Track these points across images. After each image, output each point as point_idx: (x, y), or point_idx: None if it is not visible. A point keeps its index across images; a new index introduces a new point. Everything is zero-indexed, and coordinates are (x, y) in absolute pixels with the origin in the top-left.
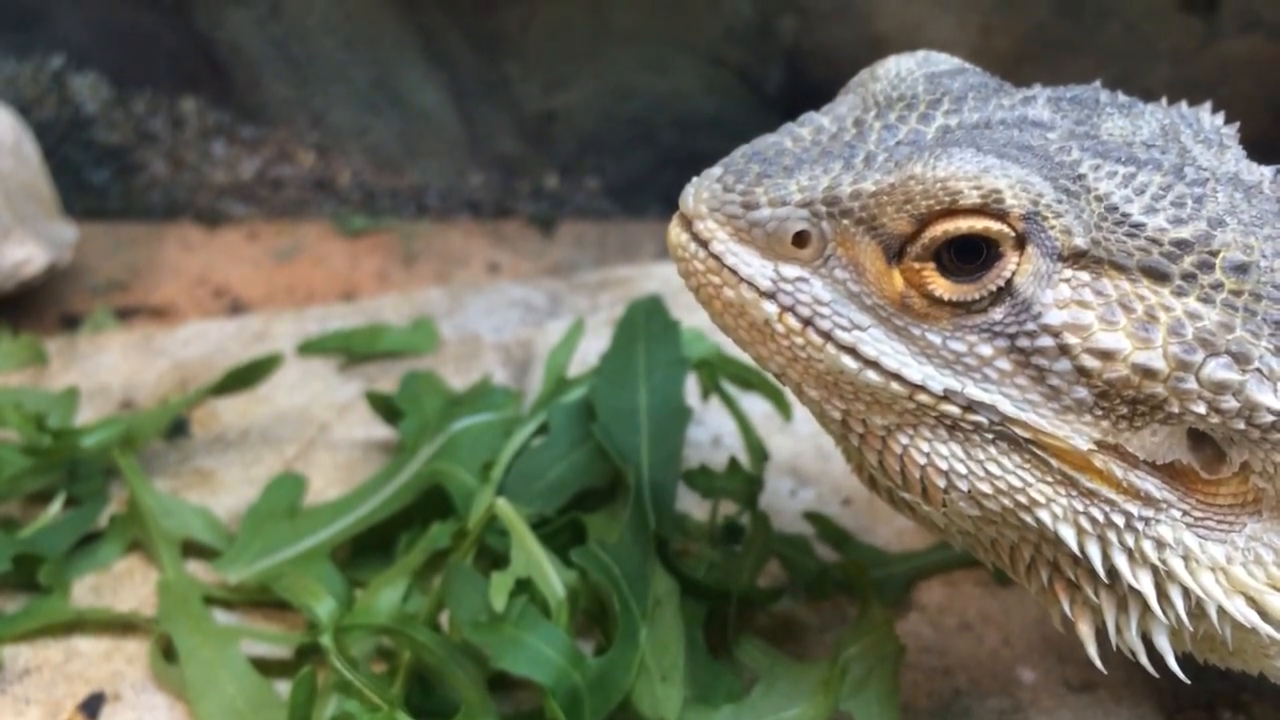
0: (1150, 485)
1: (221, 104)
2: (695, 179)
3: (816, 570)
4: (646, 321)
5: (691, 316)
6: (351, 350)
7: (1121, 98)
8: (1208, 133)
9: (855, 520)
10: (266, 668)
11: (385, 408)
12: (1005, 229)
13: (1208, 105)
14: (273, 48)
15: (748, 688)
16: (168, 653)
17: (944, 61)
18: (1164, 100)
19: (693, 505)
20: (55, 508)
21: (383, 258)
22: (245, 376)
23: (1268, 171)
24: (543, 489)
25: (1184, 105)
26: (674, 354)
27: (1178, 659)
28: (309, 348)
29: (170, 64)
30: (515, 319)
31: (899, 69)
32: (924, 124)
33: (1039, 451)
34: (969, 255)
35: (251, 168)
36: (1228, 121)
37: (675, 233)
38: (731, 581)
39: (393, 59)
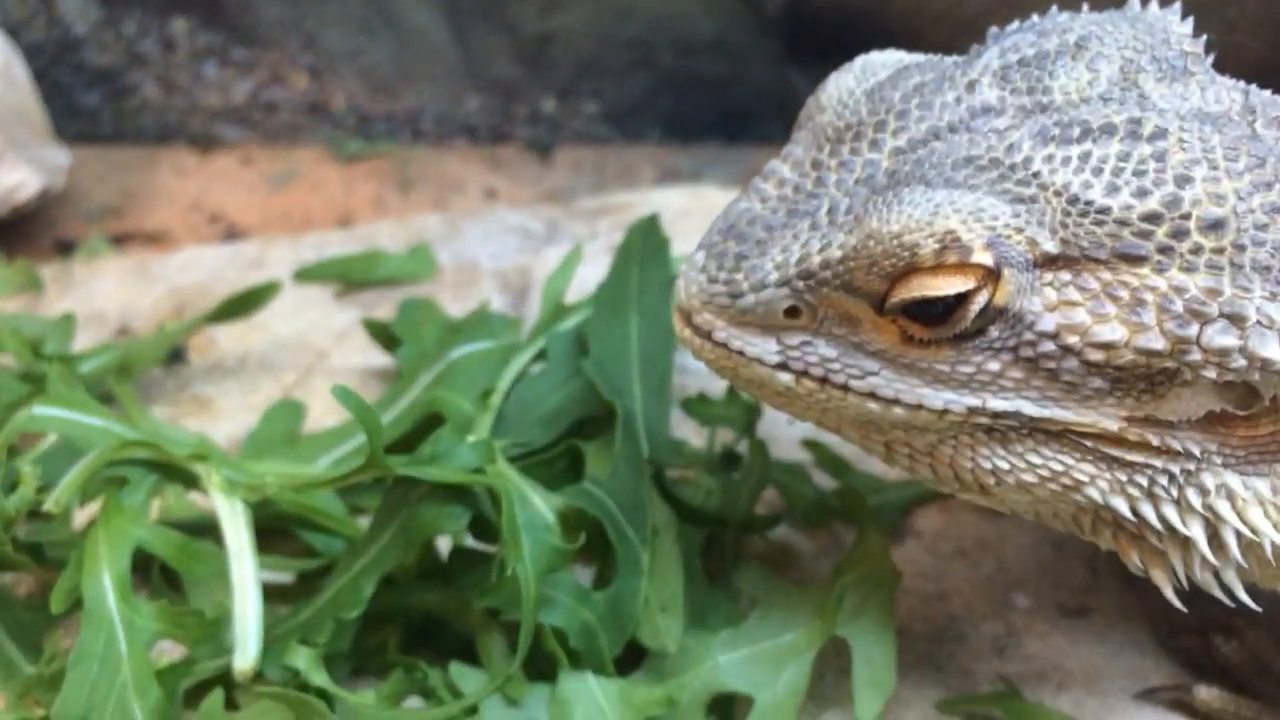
0: (1189, 441)
1: (212, 25)
2: (684, 268)
3: (814, 497)
4: (642, 244)
5: (690, 244)
6: (348, 277)
7: (1076, 32)
8: (1171, 58)
9: (853, 448)
10: (268, 594)
11: (383, 335)
12: (965, 282)
13: (1176, 8)
14: None
15: (745, 613)
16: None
17: (882, 66)
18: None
19: (691, 432)
20: (52, 435)
21: (379, 183)
22: (242, 303)
23: (1238, 96)
24: (541, 416)
25: (1152, 9)
26: (664, 274)
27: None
28: (305, 275)
29: None
30: (513, 246)
31: (839, 93)
32: (876, 151)
33: (1074, 437)
34: (933, 304)
35: (244, 91)
36: (1231, 45)
37: (679, 326)
38: (729, 508)
39: None
